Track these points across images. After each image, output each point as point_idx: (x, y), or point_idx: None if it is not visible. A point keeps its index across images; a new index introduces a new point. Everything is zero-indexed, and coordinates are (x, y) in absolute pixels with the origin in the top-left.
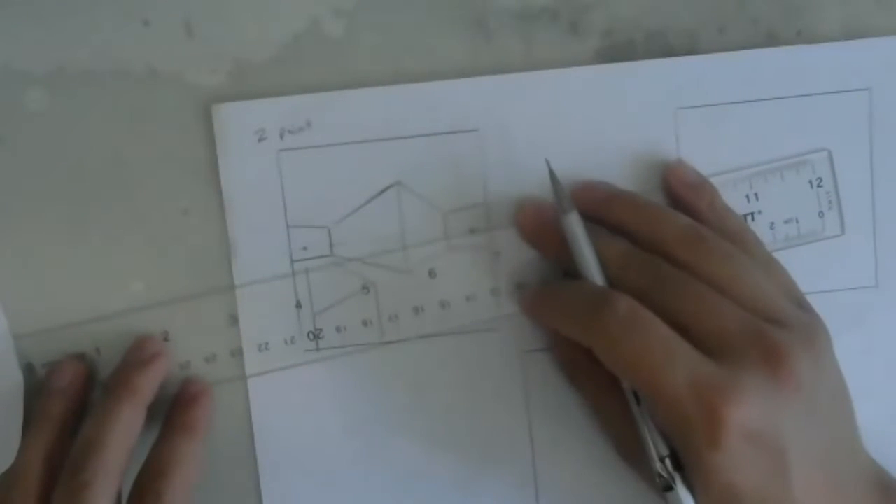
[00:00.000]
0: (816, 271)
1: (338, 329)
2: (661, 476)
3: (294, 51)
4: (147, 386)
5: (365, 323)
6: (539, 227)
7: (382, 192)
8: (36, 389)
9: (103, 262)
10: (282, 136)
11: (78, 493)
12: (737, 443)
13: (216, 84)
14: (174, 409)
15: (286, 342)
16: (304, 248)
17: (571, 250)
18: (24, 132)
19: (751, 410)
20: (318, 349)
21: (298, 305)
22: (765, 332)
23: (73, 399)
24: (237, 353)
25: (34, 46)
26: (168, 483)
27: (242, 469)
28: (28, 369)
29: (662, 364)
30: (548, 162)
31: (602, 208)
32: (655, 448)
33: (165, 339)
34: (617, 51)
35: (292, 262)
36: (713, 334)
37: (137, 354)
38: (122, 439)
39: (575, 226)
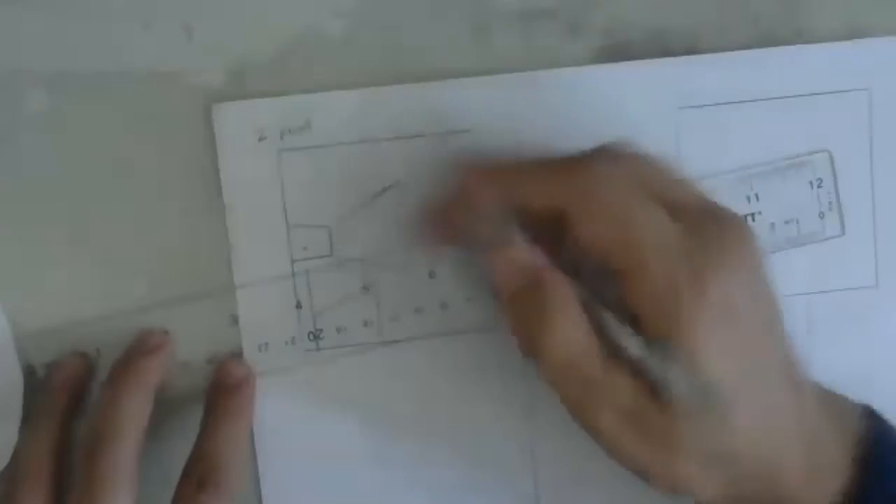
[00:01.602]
0: (817, 272)
1: (338, 329)
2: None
3: (294, 51)
4: (153, 372)
5: (365, 323)
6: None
7: (383, 191)
8: (36, 389)
9: (103, 262)
10: (282, 136)
11: (98, 484)
12: (717, 302)
13: (216, 84)
14: (219, 396)
15: (286, 342)
16: (305, 248)
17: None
18: (25, 132)
19: (724, 272)
20: (318, 349)
21: (299, 306)
22: (720, 208)
23: (73, 396)
24: (237, 353)
25: (34, 47)
26: (227, 476)
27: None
28: (28, 370)
29: (647, 221)
30: None
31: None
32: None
33: None
34: (617, 51)
35: (292, 262)
36: (679, 206)
37: (141, 345)
38: (135, 426)
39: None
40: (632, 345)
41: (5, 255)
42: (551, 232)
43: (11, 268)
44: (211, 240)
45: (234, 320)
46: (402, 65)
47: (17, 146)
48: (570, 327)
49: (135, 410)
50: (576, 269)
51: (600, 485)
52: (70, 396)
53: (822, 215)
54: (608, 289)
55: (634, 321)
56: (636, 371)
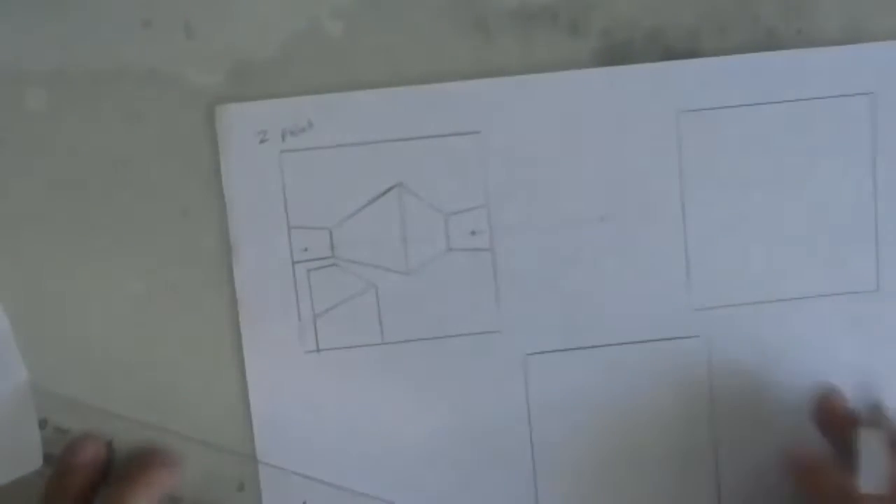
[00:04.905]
0: (817, 275)
1: (338, 330)
2: None
3: (294, 51)
4: (161, 484)
5: (366, 324)
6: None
7: (384, 193)
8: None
9: (103, 262)
10: (283, 138)
11: None
12: None
13: (216, 84)
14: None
15: (287, 343)
16: (306, 250)
17: (859, 462)
18: (24, 132)
19: None
20: (318, 350)
21: (298, 306)
22: None
23: (91, 477)
24: (238, 354)
25: (34, 46)
26: None
27: (243, 469)
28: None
29: None
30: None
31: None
32: None
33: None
34: (616, 50)
35: (293, 263)
36: None
37: (156, 456)
38: None
39: (874, 443)
40: None
41: (5, 254)
42: None
43: (12, 268)
44: (211, 240)
45: (235, 320)
46: (402, 65)
47: (17, 146)
48: None
49: None
50: None
51: (599, 486)
52: (86, 478)
53: (823, 218)
54: None
55: None
56: None
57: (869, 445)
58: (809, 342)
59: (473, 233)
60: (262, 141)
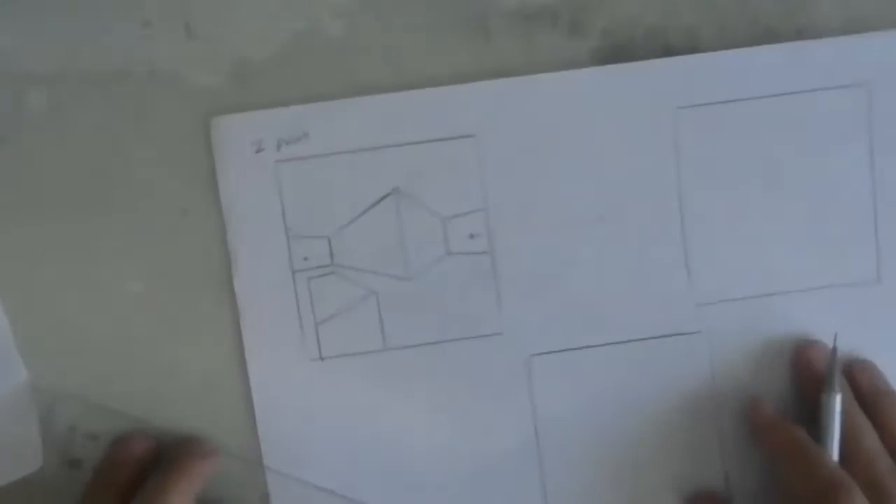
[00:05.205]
0: (818, 267)
1: (340, 337)
2: None
3: (294, 51)
4: (202, 475)
5: (367, 330)
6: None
7: (381, 199)
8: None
9: (103, 261)
10: (279, 147)
11: None
12: None
13: (216, 85)
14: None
15: (289, 352)
16: (305, 259)
17: (821, 425)
18: (25, 132)
19: None
20: (321, 358)
21: (300, 315)
22: None
23: (137, 473)
24: (240, 357)
25: (35, 47)
26: None
27: (249, 476)
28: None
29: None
30: (835, 338)
31: (867, 401)
32: None
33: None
34: (617, 49)
35: (293, 272)
36: None
37: (197, 447)
38: None
39: (834, 407)
40: None
41: (5, 254)
42: None
43: (11, 268)
44: (211, 240)
45: (236, 321)
46: (402, 65)
47: (17, 146)
48: None
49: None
50: None
51: (606, 488)
52: (132, 473)
53: (823, 210)
54: None
55: None
56: None
57: (830, 410)
58: (812, 334)
59: (472, 236)
60: (257, 151)
